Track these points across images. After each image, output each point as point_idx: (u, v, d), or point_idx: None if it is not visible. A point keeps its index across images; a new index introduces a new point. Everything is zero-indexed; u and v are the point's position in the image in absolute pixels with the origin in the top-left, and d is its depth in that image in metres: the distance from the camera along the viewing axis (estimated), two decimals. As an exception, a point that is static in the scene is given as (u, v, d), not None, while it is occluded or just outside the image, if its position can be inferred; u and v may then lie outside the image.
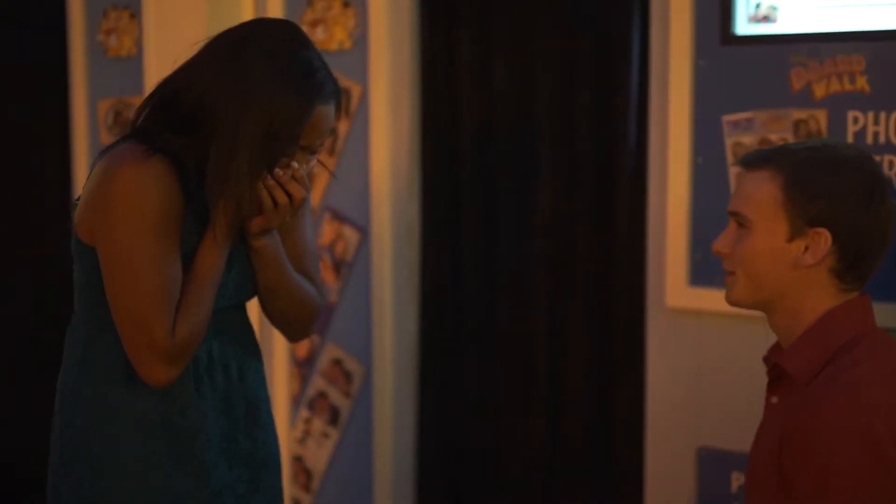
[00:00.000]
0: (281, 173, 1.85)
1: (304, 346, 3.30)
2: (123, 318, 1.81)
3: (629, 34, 2.71)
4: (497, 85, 2.95)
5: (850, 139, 2.29)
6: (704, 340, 2.56)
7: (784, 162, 1.78)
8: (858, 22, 2.33)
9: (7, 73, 3.80)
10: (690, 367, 2.58)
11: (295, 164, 1.86)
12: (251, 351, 2.02)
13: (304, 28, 3.11)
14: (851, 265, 1.77)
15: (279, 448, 2.08)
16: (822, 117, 2.35)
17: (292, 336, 2.11)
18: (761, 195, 1.78)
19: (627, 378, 2.78)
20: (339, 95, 1.87)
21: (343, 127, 3.14)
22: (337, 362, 3.25)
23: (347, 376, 3.23)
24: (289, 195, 1.86)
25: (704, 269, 2.51)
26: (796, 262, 1.77)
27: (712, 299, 2.48)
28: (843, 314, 1.78)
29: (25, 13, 3.78)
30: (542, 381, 2.93)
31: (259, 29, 1.85)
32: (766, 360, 1.90)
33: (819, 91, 2.36)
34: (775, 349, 1.89)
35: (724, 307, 2.45)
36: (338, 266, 3.21)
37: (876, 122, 2.29)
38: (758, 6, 2.42)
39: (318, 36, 3.12)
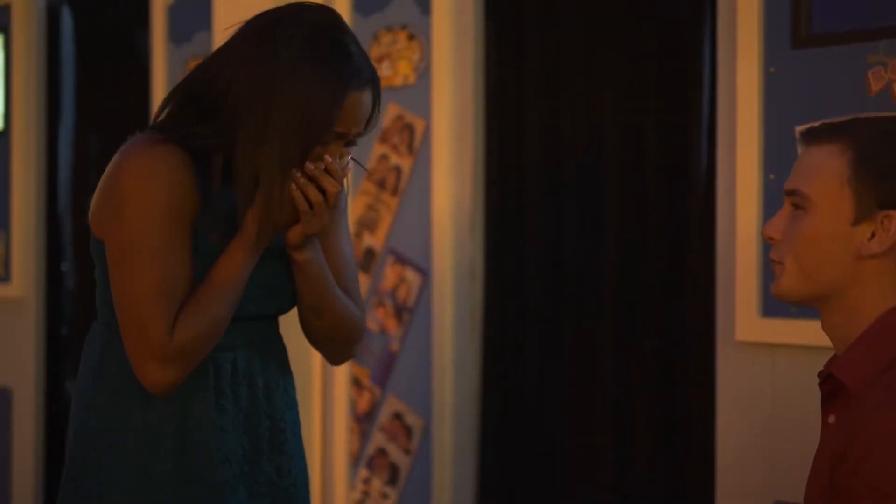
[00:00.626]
0: (312, 167, 1.69)
1: (365, 400, 3.13)
2: (122, 317, 1.68)
3: (700, 52, 2.52)
4: (565, 118, 2.78)
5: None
6: (779, 377, 2.28)
7: (855, 135, 1.53)
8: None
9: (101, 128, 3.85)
10: (764, 408, 2.30)
11: (328, 158, 1.70)
12: (281, 368, 1.86)
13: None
14: None
15: (308, 483, 1.89)
16: (905, 121, 2.10)
17: (336, 358, 1.93)
18: (825, 171, 1.53)
19: (697, 422, 2.51)
20: (376, 83, 1.73)
21: (406, 164, 3.01)
22: (397, 416, 3.06)
23: (408, 431, 3.03)
24: (322, 192, 1.70)
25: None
26: (859, 251, 1.52)
27: (787, 331, 2.24)
28: None
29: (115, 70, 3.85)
30: (609, 433, 2.67)
31: (292, 12, 1.72)
32: (821, 373, 1.62)
33: (901, 92, 2.12)
34: (832, 360, 1.62)
35: (801, 339, 2.21)
36: (399, 312, 3.04)
37: (966, 124, 2.03)
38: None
39: (383, 72, 3.03)
